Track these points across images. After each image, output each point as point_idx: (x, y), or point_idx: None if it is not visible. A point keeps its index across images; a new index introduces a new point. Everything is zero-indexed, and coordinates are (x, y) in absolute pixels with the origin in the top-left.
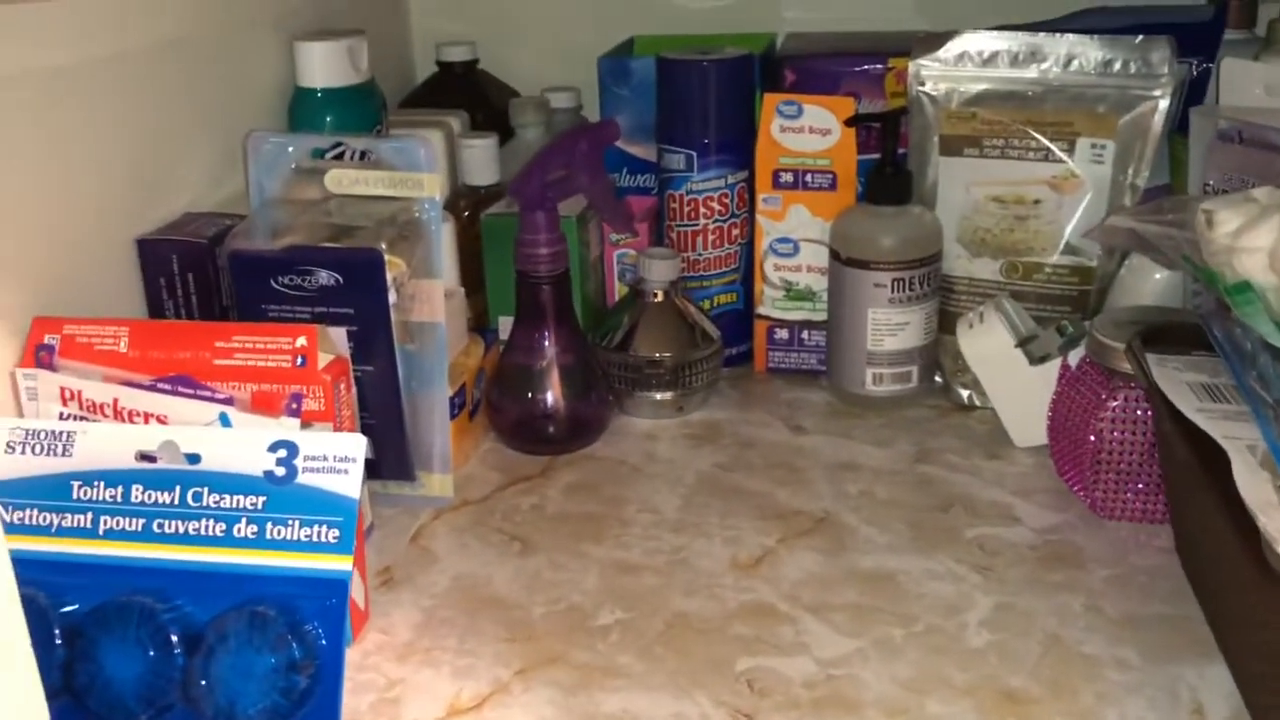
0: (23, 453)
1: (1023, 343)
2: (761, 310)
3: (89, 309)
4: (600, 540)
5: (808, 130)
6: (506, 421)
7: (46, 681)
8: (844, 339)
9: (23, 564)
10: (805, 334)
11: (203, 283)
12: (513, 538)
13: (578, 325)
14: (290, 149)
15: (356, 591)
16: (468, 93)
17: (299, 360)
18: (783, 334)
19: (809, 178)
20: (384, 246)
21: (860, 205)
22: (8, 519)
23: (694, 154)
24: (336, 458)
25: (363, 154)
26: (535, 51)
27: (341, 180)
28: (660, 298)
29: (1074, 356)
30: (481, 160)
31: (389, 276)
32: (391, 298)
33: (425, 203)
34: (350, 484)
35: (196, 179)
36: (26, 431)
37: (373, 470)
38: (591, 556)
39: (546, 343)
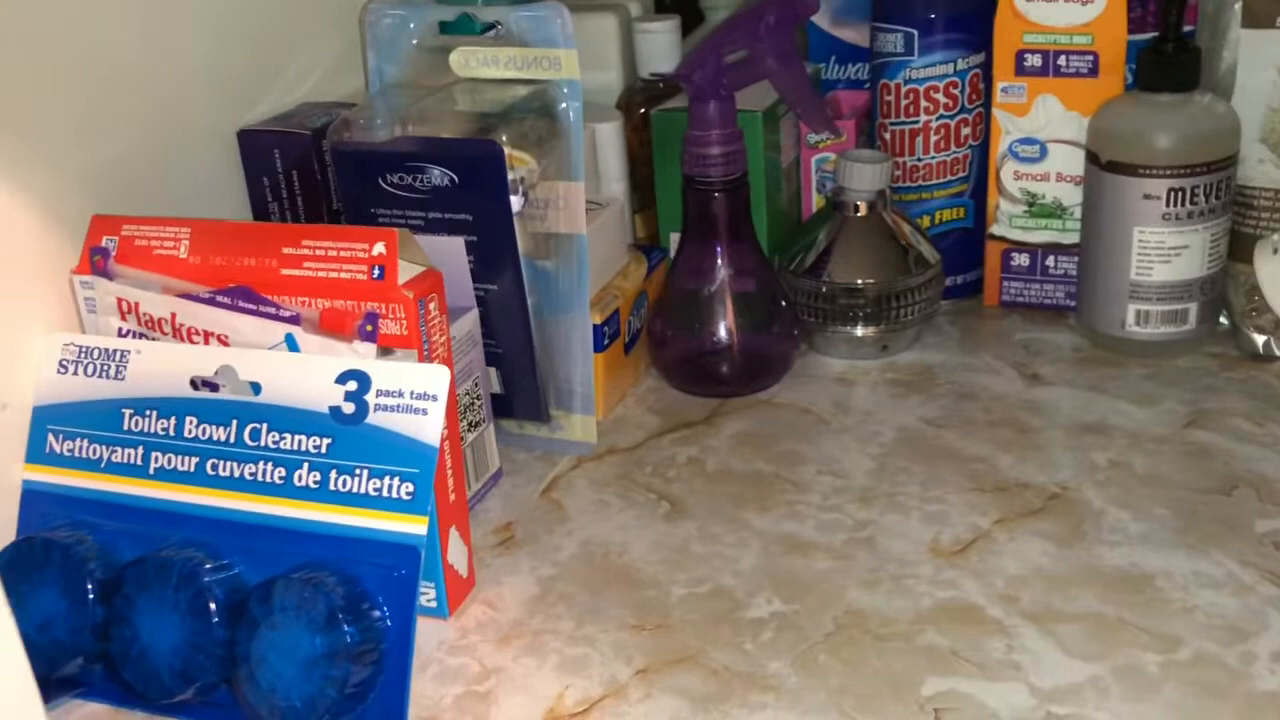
0: (75, 373)
1: None
2: (996, 230)
3: (184, 213)
4: (766, 507)
5: None
6: (670, 356)
7: (80, 644)
8: (1100, 266)
9: (70, 503)
10: (1051, 260)
11: (309, 182)
12: (661, 497)
13: (757, 243)
14: (412, 24)
15: (457, 555)
16: None
17: (376, 271)
18: (1022, 260)
19: (1063, 60)
20: (504, 139)
21: (1130, 94)
22: (58, 449)
23: (915, 32)
24: (415, 394)
25: (493, 27)
26: None
27: (468, 60)
28: (864, 211)
29: None
30: (661, 48)
31: (511, 176)
32: (517, 203)
33: (564, 86)
34: (430, 427)
35: (321, 62)
36: (80, 349)
37: (504, 407)
38: (753, 527)
39: (718, 263)
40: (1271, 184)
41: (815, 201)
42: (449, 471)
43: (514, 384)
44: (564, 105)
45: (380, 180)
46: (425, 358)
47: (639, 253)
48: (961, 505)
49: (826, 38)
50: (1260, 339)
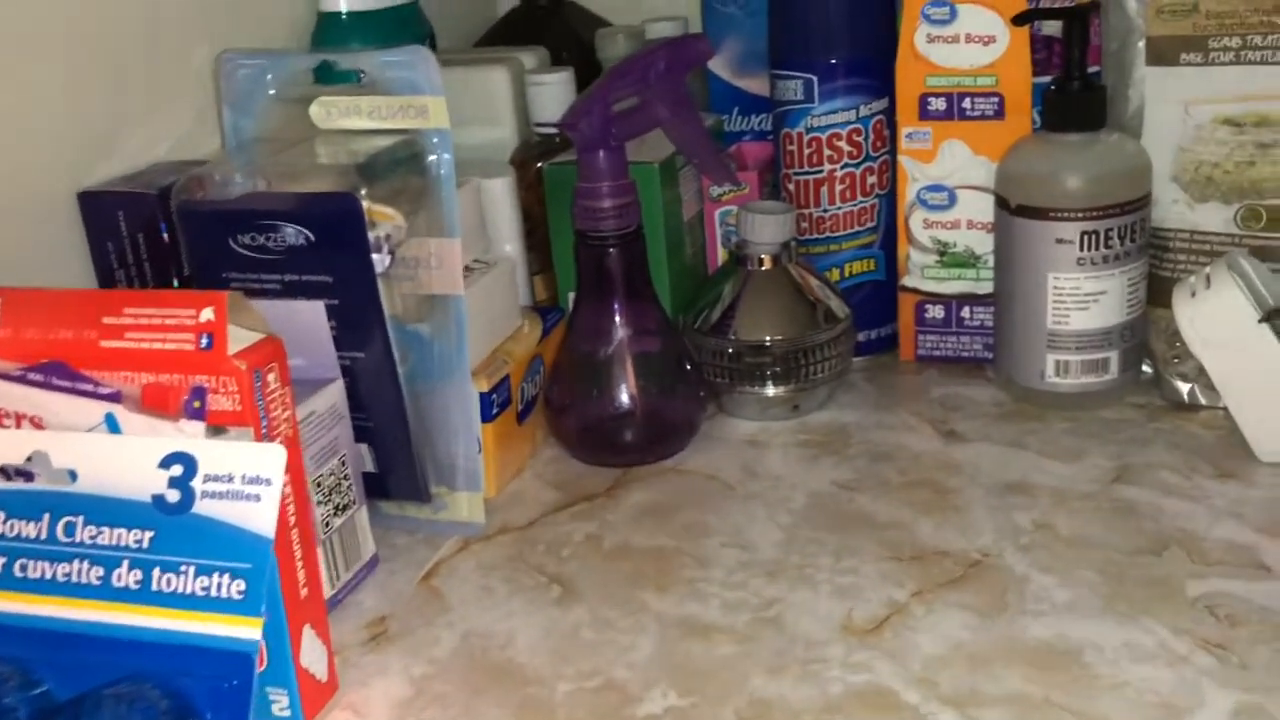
0: None
1: (1270, 316)
2: (908, 281)
3: (20, 283)
4: (666, 586)
5: (964, 39)
6: (568, 424)
7: None
8: (1016, 316)
9: None
10: (966, 311)
11: (156, 246)
12: (553, 580)
13: (658, 301)
14: (269, 75)
15: (313, 657)
16: (555, 30)
17: (204, 340)
18: (936, 311)
19: (968, 103)
20: (362, 193)
21: (1036, 135)
22: None
23: (814, 79)
24: (246, 478)
25: (357, 77)
26: None
27: (329, 111)
28: (768, 264)
29: None
30: (555, 101)
31: (374, 233)
32: (381, 262)
33: (433, 136)
34: (263, 516)
35: (181, 121)
36: None
37: (379, 487)
38: (651, 610)
39: (616, 323)
40: (1186, 225)
41: (720, 256)
42: (299, 563)
43: (389, 461)
44: (433, 156)
45: (230, 241)
46: (264, 436)
47: (534, 314)
48: (876, 576)
49: (728, 89)
50: (1185, 387)
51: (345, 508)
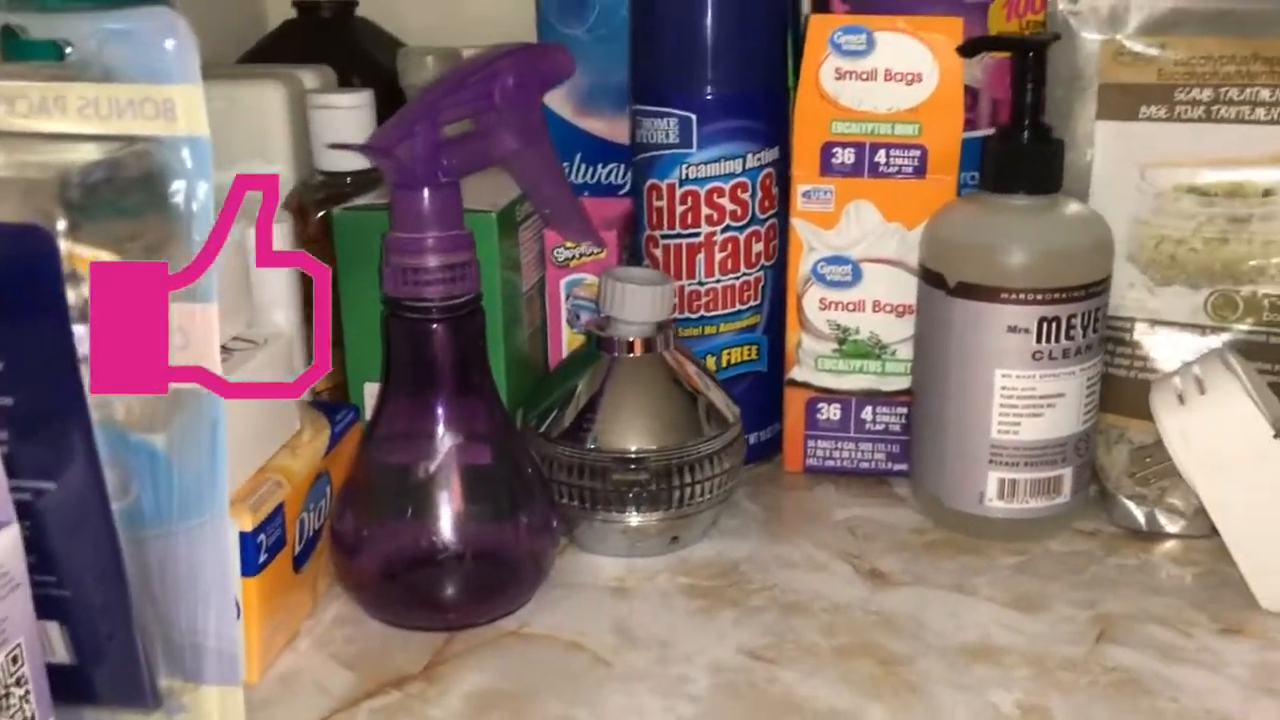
0: None
1: None
2: (798, 374)
3: None
4: None
5: (883, 76)
6: (367, 569)
7: None
8: (949, 422)
9: None
10: (868, 412)
11: None
12: None
13: (497, 397)
14: None
15: None
16: (342, 49)
17: None
18: (831, 412)
19: (881, 156)
20: (61, 226)
21: (974, 196)
22: None
23: (692, 117)
24: None
25: (63, 52)
26: None
27: (15, 105)
28: (639, 350)
29: None
30: (349, 131)
31: (79, 293)
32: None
33: (182, 147)
34: None
35: None
36: None
37: (82, 686)
38: None
39: (440, 427)
40: (1147, 314)
41: (566, 338)
42: None
43: (93, 647)
44: (180, 181)
45: None
46: None
47: (317, 414)
48: None
49: (570, 130)
50: (1141, 511)
51: None
